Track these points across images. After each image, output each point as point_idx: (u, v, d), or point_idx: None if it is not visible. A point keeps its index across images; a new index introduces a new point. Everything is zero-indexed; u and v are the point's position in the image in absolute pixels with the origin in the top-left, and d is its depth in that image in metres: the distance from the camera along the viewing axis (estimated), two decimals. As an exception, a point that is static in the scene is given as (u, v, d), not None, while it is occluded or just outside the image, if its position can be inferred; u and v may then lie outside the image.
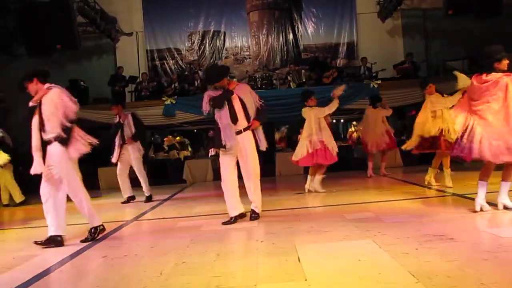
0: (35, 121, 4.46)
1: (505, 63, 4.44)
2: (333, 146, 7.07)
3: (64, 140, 4.42)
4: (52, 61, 13.17)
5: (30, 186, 6.85)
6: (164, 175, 12.21)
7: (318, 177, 7.27)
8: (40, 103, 4.48)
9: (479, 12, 11.31)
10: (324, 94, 11.66)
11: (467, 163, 5.31)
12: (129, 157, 7.79)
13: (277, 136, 13.59)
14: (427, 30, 14.45)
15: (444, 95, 6.64)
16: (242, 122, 5.11)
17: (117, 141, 7.73)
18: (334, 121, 9.38)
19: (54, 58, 12.52)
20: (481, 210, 4.58)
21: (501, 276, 2.66)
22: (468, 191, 6.11)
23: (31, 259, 4.06)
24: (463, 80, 5.23)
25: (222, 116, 5.07)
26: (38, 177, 4.50)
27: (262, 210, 5.30)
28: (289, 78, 13.05)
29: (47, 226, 4.53)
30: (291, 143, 14.08)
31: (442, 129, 6.45)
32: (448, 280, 2.63)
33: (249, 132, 5.14)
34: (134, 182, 8.07)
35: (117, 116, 7.89)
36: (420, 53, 13.82)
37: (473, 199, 5.43)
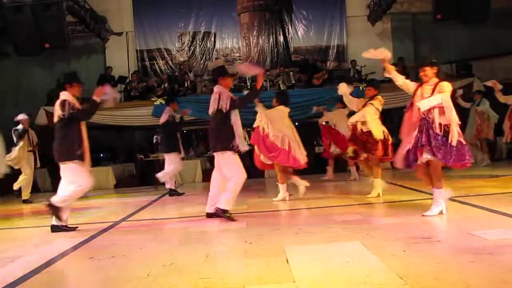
0: None
1: None
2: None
3: None
4: (41, 60, 13.10)
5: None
6: (153, 175, 12.15)
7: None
8: None
9: (467, 17, 11.44)
10: (314, 96, 11.76)
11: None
12: None
13: None
14: (416, 34, 14.59)
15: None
16: None
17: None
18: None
19: (42, 57, 12.43)
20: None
21: (486, 277, 2.69)
22: (455, 193, 6.17)
23: (17, 260, 4.01)
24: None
25: (237, 118, 5.22)
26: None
27: (252, 212, 5.31)
28: (279, 80, 13.07)
29: (31, 227, 4.49)
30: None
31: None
32: (435, 281, 2.65)
33: None
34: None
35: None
36: (409, 57, 13.93)
37: (461, 202, 5.51)
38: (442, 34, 13.60)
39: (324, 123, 8.95)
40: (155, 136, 13.61)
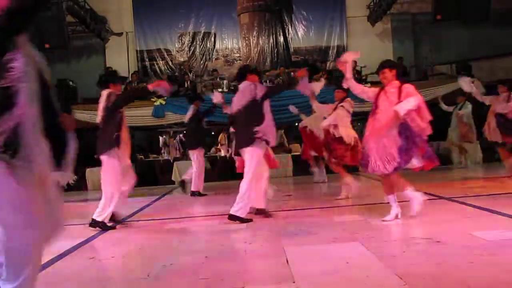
0: None
1: None
2: None
3: None
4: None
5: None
6: (153, 176, 12.17)
7: None
8: None
9: (467, 17, 11.46)
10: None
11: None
12: None
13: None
14: (416, 34, 14.61)
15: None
16: None
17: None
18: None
19: (42, 57, 12.45)
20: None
21: (487, 278, 2.69)
22: (455, 194, 6.18)
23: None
24: None
25: (268, 110, 5.04)
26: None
27: (250, 212, 5.30)
28: (279, 80, 13.08)
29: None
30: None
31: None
32: (435, 282, 2.65)
33: None
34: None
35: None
36: (409, 57, 13.95)
37: (460, 202, 5.51)
38: (442, 34, 13.63)
39: (303, 126, 8.93)
40: (161, 137, 13.64)
